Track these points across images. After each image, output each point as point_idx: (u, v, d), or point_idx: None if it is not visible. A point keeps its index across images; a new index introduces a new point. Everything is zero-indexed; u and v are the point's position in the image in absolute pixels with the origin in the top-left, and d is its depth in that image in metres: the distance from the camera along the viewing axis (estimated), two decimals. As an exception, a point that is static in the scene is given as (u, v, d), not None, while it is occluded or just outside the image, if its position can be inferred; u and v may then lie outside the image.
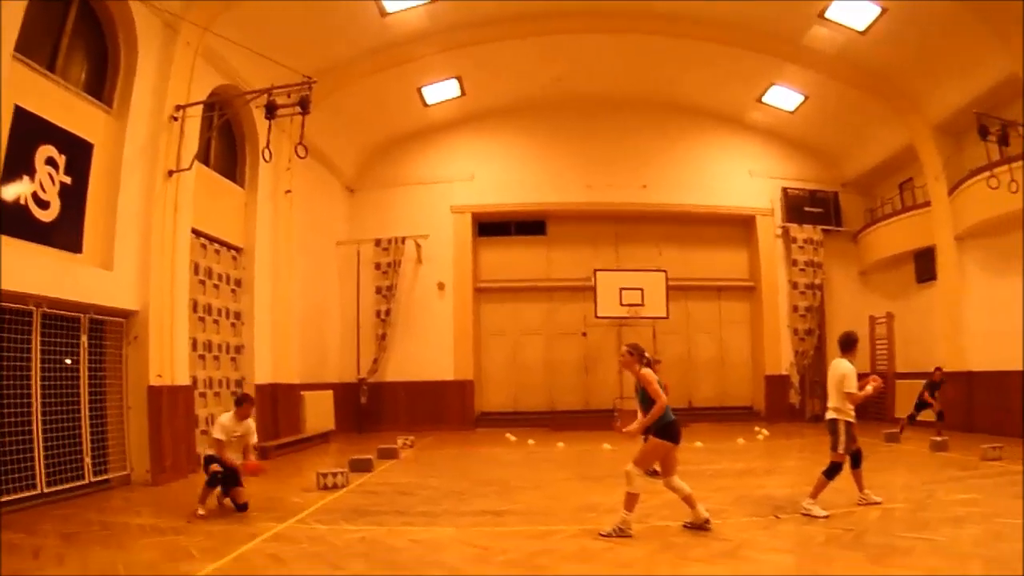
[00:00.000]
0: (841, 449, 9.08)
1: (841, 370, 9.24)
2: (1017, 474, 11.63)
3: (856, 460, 9.48)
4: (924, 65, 18.53)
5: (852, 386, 9.11)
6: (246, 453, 9.73)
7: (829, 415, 9.34)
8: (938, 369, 16.11)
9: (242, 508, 9.27)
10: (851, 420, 9.16)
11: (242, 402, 9.81)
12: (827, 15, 17.66)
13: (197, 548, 7.20)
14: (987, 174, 15.09)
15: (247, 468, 9.52)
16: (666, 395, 8.27)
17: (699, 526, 8.13)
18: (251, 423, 9.78)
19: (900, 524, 8.30)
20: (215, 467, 9.18)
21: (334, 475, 11.40)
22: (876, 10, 16.93)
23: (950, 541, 7.37)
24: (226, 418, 9.57)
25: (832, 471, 8.96)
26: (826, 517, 8.65)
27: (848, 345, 9.55)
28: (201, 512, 8.89)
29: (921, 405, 16.26)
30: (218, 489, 9.33)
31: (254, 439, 9.96)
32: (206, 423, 13.77)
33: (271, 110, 12.30)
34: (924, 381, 16.21)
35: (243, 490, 9.37)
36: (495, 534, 8.16)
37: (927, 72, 18.74)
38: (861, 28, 17.78)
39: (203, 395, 14.09)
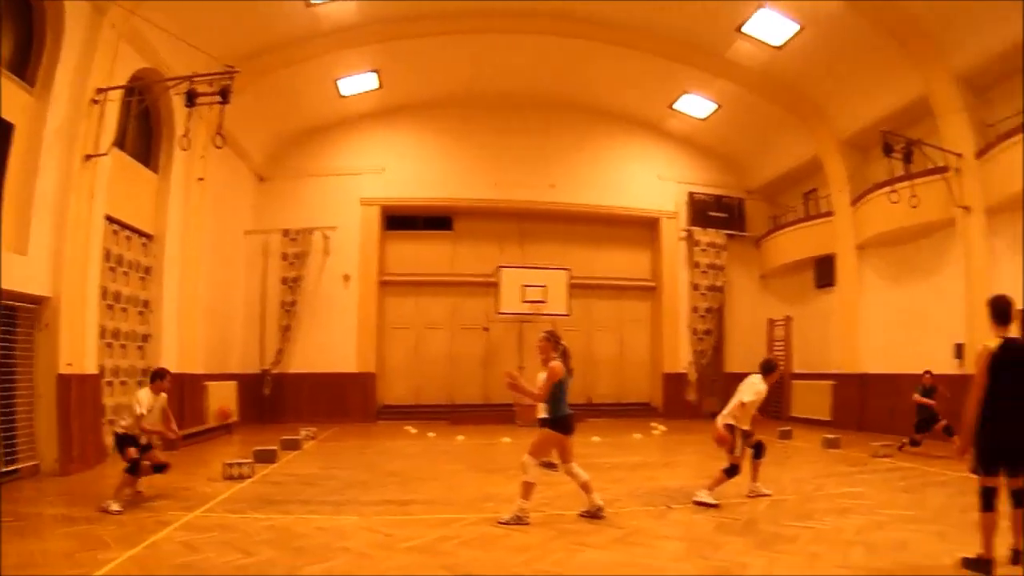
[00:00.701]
0: (737, 452, 9.73)
1: (757, 388, 9.96)
2: (905, 470, 12.59)
3: (759, 452, 10.23)
4: (836, 82, 19.52)
5: (754, 406, 9.94)
6: (167, 423, 10.01)
7: (726, 420, 9.92)
8: (927, 372, 14.90)
9: (160, 469, 9.62)
10: (745, 429, 9.87)
11: (161, 376, 9.87)
12: (744, 29, 18.32)
13: (111, 537, 7.37)
14: (888, 189, 16.09)
15: (168, 436, 10.03)
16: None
17: (593, 514, 8.73)
18: (164, 396, 9.90)
19: (788, 514, 9.02)
20: (132, 451, 9.15)
21: (240, 465, 11.54)
22: (794, 27, 17.69)
23: (834, 530, 8.10)
24: (143, 394, 9.63)
25: (731, 471, 9.63)
26: (716, 506, 9.35)
27: (767, 370, 10.25)
28: (116, 508, 8.62)
29: (924, 423, 14.56)
30: (135, 479, 9.36)
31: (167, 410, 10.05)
32: (112, 413, 13.58)
33: (192, 98, 12.41)
34: (917, 388, 14.78)
35: (158, 452, 9.79)
36: (399, 522, 8.55)
37: (838, 89, 19.73)
38: (778, 44, 18.53)
39: (110, 384, 13.89)
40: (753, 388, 9.95)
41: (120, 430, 9.49)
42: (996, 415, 6.22)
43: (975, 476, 6.44)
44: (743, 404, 9.84)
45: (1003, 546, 6.32)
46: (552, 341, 9.11)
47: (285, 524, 8.29)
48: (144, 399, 9.53)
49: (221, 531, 7.84)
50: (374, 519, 8.68)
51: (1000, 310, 6.52)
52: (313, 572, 6.40)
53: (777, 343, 24.18)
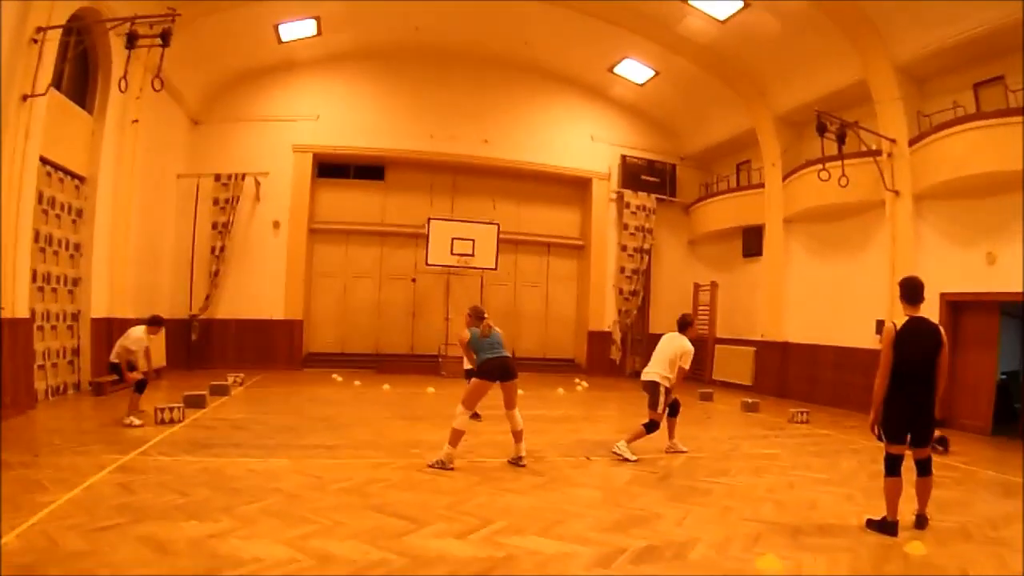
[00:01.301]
0: (660, 409, 10.31)
1: (683, 346, 10.52)
2: (819, 436, 13.30)
3: (674, 410, 10.79)
4: (776, 60, 19.82)
5: (687, 363, 10.46)
6: (148, 360, 12.08)
7: (651, 378, 10.48)
8: None
9: (140, 387, 11.61)
10: (670, 387, 10.41)
11: (157, 323, 12.09)
12: (691, 2, 18.51)
13: (48, 480, 7.49)
14: (819, 167, 16.42)
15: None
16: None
17: (515, 462, 9.32)
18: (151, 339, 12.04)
19: (703, 470, 9.65)
20: (136, 375, 11.61)
21: (171, 410, 11.72)
22: (738, 3, 17.95)
23: (747, 487, 8.73)
24: (140, 331, 11.67)
25: (651, 427, 10.18)
26: (635, 461, 9.91)
27: (684, 326, 10.85)
28: (137, 422, 10.88)
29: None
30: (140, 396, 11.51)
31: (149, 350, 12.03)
32: (43, 357, 13.62)
33: (132, 40, 12.35)
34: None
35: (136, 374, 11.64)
36: (328, 465, 8.96)
37: (778, 66, 20.05)
38: (722, 18, 18.77)
39: (40, 328, 13.68)
40: (683, 348, 10.50)
41: (115, 359, 11.69)
42: (900, 388, 6.74)
43: (882, 444, 6.99)
44: (683, 369, 10.46)
45: (908, 512, 6.91)
46: (474, 316, 9.85)
47: (218, 467, 8.55)
48: (140, 338, 11.72)
49: (156, 473, 8.07)
50: (304, 462, 9.05)
51: (911, 290, 7.00)
52: (249, 511, 6.71)
53: (702, 308, 24.59)
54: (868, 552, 6.29)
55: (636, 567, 5.70)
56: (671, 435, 10.84)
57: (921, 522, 6.86)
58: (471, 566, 5.57)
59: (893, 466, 6.81)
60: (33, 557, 5.24)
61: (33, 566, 5.07)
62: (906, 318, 6.87)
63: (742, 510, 7.58)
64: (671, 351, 10.53)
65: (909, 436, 6.78)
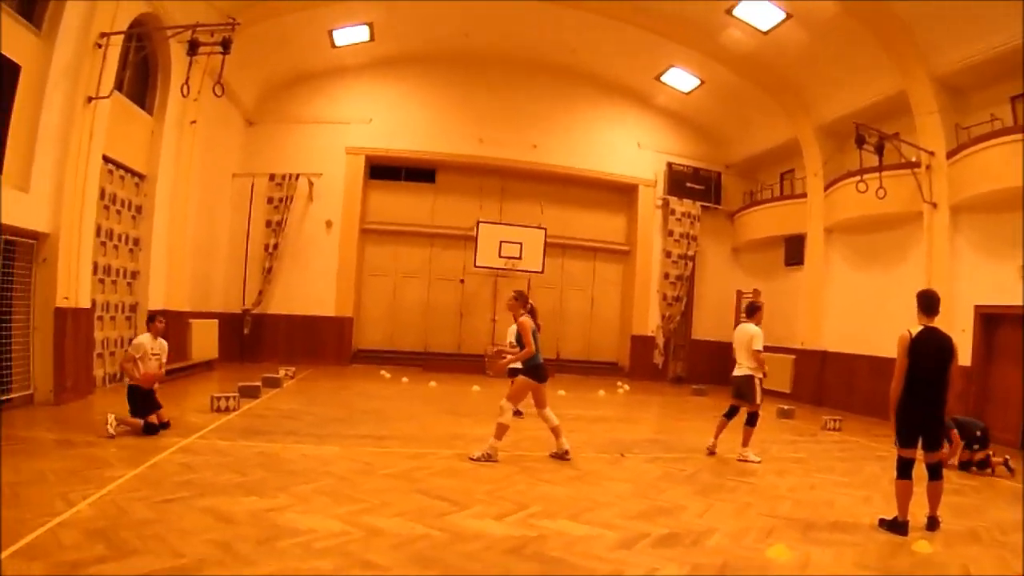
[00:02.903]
0: (757, 400, 10.77)
1: (750, 332, 10.86)
2: (848, 443, 13.54)
3: (751, 420, 10.97)
4: (818, 71, 20.00)
5: (759, 345, 10.75)
6: (160, 365, 10.49)
7: (742, 372, 10.90)
8: None
9: (164, 426, 10.05)
10: (762, 377, 10.84)
11: (153, 319, 10.61)
12: (735, 13, 18.70)
13: (114, 458, 8.01)
14: (858, 178, 16.49)
15: (154, 377, 10.24)
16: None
17: (560, 456, 9.75)
18: (164, 342, 10.58)
19: (730, 471, 10.02)
20: (153, 419, 9.83)
21: (227, 399, 12.27)
22: (781, 15, 18.16)
23: (769, 487, 9.10)
24: (145, 339, 10.31)
25: (753, 419, 10.72)
26: (758, 462, 10.49)
27: (752, 311, 11.20)
28: (111, 430, 9.37)
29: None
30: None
31: (165, 357, 10.63)
32: (102, 346, 14.17)
33: (194, 47, 12.82)
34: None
35: (163, 411, 10.20)
36: (376, 453, 9.46)
37: (820, 78, 20.21)
38: (765, 29, 18.97)
39: (100, 319, 14.24)
40: (752, 332, 10.85)
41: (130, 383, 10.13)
42: (913, 395, 7.02)
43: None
44: (757, 352, 10.78)
45: (922, 514, 7.18)
46: (521, 300, 10.08)
47: (273, 451, 9.08)
48: (144, 343, 10.25)
49: (215, 455, 8.59)
50: (354, 450, 9.54)
51: (927, 302, 7.32)
52: (303, 490, 7.20)
53: (742, 314, 24.55)
54: (875, 548, 6.59)
55: (655, 550, 6.09)
56: (745, 442, 10.97)
57: (932, 524, 7.10)
58: (505, 543, 6.01)
59: (904, 469, 7.11)
60: (105, 523, 5.71)
61: (106, 531, 5.53)
62: (920, 327, 7.10)
63: (761, 506, 7.95)
64: (746, 340, 10.89)
65: (921, 441, 7.05)
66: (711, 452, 11.03)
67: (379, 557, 5.41)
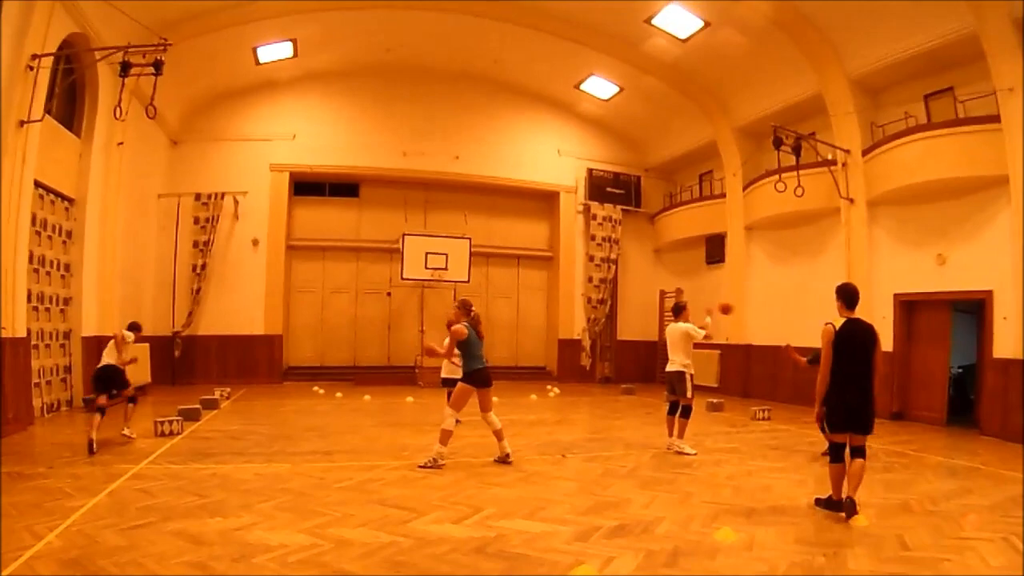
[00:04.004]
0: (689, 394, 11.31)
1: (682, 328, 11.45)
2: (779, 431, 14.25)
3: (686, 412, 11.50)
4: (736, 75, 20.85)
5: (698, 334, 11.32)
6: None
7: (675, 368, 11.45)
8: None
9: (133, 400, 11.72)
10: (692, 373, 11.39)
11: (138, 328, 12.48)
12: (654, 22, 19.27)
13: (70, 488, 8.00)
14: (776, 177, 17.28)
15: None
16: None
17: (502, 460, 10.11)
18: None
19: (668, 464, 10.51)
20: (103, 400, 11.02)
21: (170, 423, 12.31)
22: (699, 23, 18.85)
23: (708, 476, 9.65)
24: (131, 337, 11.95)
25: (687, 412, 11.30)
26: (694, 454, 11.04)
27: (678, 311, 11.79)
28: (93, 435, 10.32)
29: None
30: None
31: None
32: (38, 375, 13.97)
33: (125, 69, 12.80)
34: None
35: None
36: (327, 468, 9.69)
37: (738, 81, 21.06)
38: (683, 37, 19.63)
39: (35, 347, 13.95)
40: (686, 330, 11.43)
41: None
42: (841, 384, 7.50)
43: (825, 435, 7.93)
44: (703, 335, 11.40)
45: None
46: (463, 308, 10.54)
47: (225, 472, 9.22)
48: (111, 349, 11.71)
49: (170, 479, 8.68)
50: (304, 466, 9.75)
51: (847, 295, 7.81)
52: (265, 507, 7.42)
53: (667, 314, 25.03)
54: (814, 525, 7.13)
55: (610, 540, 6.52)
56: (680, 434, 11.51)
57: (851, 506, 7.35)
58: (469, 544, 6.35)
59: (835, 453, 7.63)
60: (78, 552, 5.84)
61: (81, 560, 5.67)
62: (843, 320, 7.62)
63: (703, 494, 8.47)
64: (680, 339, 11.47)
65: (849, 426, 7.54)
66: (677, 452, 11.38)
67: (354, 566, 5.69)
